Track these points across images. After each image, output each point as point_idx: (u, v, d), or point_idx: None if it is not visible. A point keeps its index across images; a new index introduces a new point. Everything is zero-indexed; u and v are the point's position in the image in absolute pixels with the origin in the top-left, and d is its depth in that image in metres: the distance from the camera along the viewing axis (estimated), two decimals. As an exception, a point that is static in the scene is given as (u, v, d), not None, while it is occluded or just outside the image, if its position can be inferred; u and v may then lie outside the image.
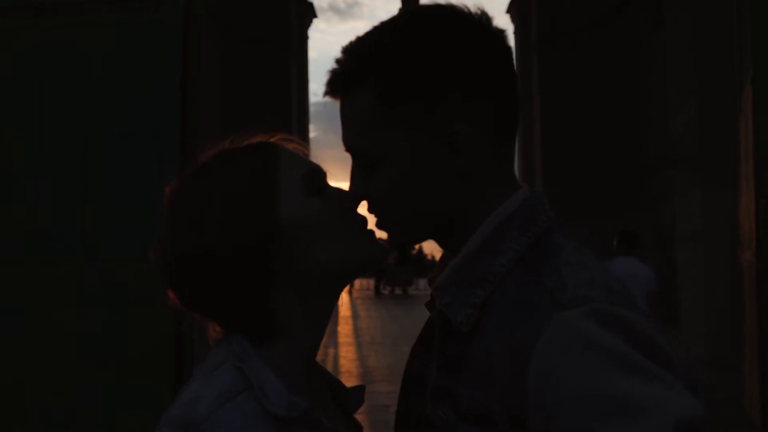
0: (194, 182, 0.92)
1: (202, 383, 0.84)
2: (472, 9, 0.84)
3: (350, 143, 0.87)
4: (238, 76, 17.46)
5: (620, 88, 15.39)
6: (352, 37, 0.88)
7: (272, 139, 0.97)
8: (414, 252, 44.60)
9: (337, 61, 0.86)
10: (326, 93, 0.87)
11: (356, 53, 0.85)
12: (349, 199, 0.91)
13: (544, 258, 0.80)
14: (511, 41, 0.92)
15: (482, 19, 0.84)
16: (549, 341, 0.71)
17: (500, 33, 0.85)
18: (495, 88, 0.84)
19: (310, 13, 25.45)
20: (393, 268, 26.01)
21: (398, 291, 27.19)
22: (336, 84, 0.86)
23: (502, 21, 17.75)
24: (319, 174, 0.94)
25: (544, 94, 18.64)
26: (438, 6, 0.85)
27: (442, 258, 0.95)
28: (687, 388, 0.69)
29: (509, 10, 23.65)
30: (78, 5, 2.62)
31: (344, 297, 25.77)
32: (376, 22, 0.89)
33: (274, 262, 0.88)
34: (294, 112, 20.81)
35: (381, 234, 0.96)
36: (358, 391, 1.03)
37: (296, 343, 0.91)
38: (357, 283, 34.47)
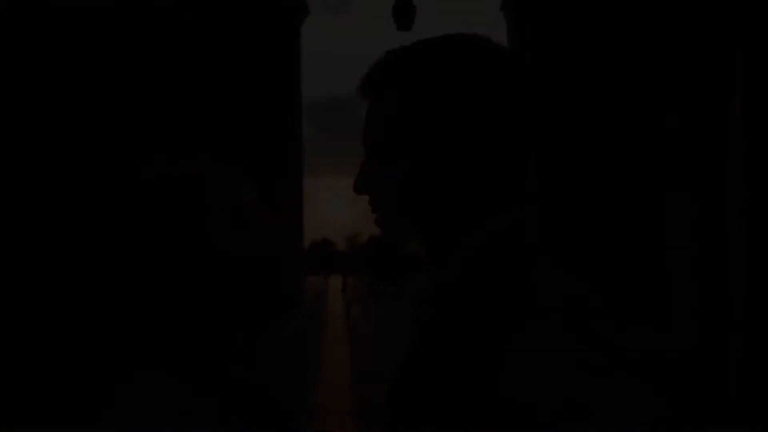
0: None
1: None
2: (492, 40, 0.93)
3: (373, 138, 0.94)
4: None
5: (613, 95, 15.39)
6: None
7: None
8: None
9: (376, 63, 0.95)
10: (360, 92, 0.96)
11: (388, 61, 0.94)
12: (353, 189, 0.96)
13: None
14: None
15: (499, 48, 0.92)
16: None
17: (510, 55, 0.93)
18: (499, 102, 0.89)
19: (303, 10, 25.24)
20: None
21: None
22: (366, 86, 0.95)
23: (496, 18, 17.73)
24: None
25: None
26: (463, 35, 0.93)
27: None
28: None
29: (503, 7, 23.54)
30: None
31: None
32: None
33: None
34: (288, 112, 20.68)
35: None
36: None
37: None
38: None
